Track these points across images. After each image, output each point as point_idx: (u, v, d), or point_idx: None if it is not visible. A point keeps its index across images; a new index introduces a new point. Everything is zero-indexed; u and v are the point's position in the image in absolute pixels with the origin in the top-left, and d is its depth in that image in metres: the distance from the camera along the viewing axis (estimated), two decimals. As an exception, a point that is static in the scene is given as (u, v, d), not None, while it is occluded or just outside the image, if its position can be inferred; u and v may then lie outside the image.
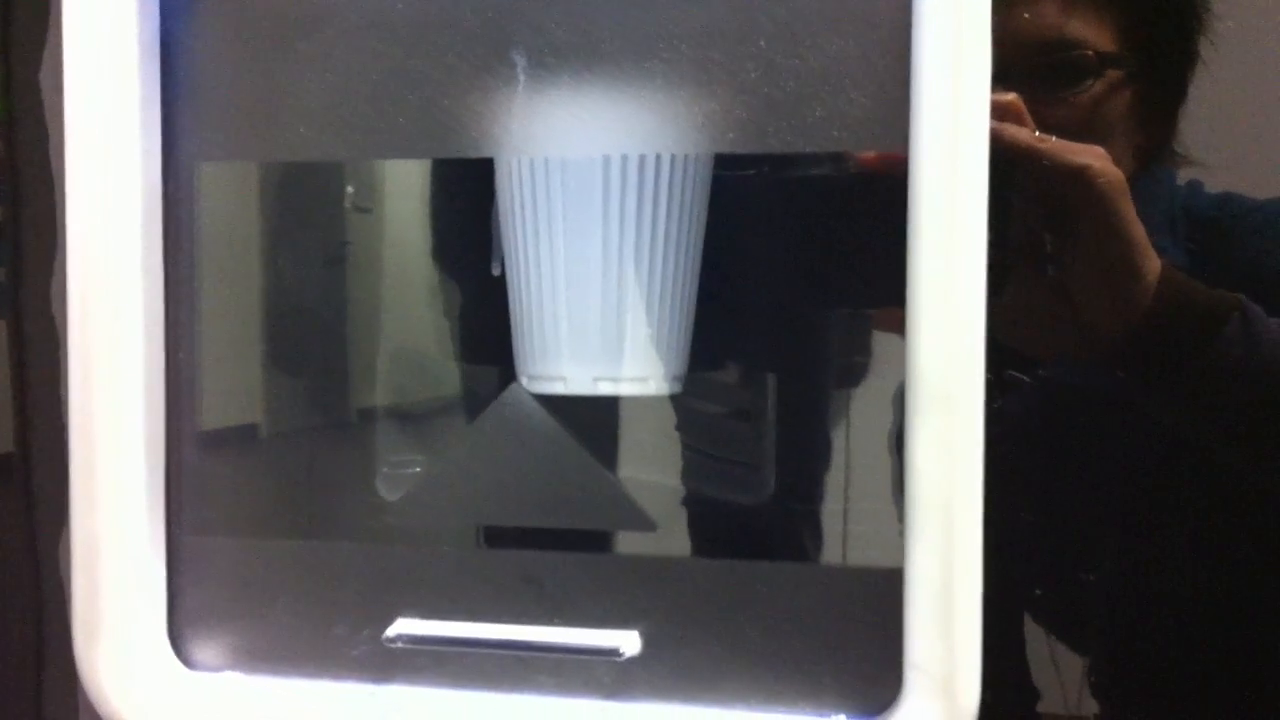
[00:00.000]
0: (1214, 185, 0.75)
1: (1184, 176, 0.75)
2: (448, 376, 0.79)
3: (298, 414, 0.78)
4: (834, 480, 0.72)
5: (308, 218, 0.77)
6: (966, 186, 0.53)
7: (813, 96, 0.57)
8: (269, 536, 0.65)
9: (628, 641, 0.60)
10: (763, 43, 0.57)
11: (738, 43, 0.57)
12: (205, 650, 0.65)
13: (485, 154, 0.61)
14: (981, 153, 0.53)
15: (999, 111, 0.65)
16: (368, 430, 0.79)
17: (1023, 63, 0.71)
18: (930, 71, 0.53)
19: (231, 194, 0.71)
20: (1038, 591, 0.74)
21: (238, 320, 0.74)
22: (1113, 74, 0.73)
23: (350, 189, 0.75)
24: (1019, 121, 0.65)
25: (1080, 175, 0.65)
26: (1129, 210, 0.66)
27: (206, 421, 0.65)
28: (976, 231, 0.53)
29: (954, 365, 0.53)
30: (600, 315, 0.64)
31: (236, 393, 0.74)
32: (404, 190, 0.79)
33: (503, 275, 0.68)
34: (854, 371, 0.72)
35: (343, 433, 0.80)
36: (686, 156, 0.63)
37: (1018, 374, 0.69)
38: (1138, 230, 0.66)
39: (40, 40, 0.72)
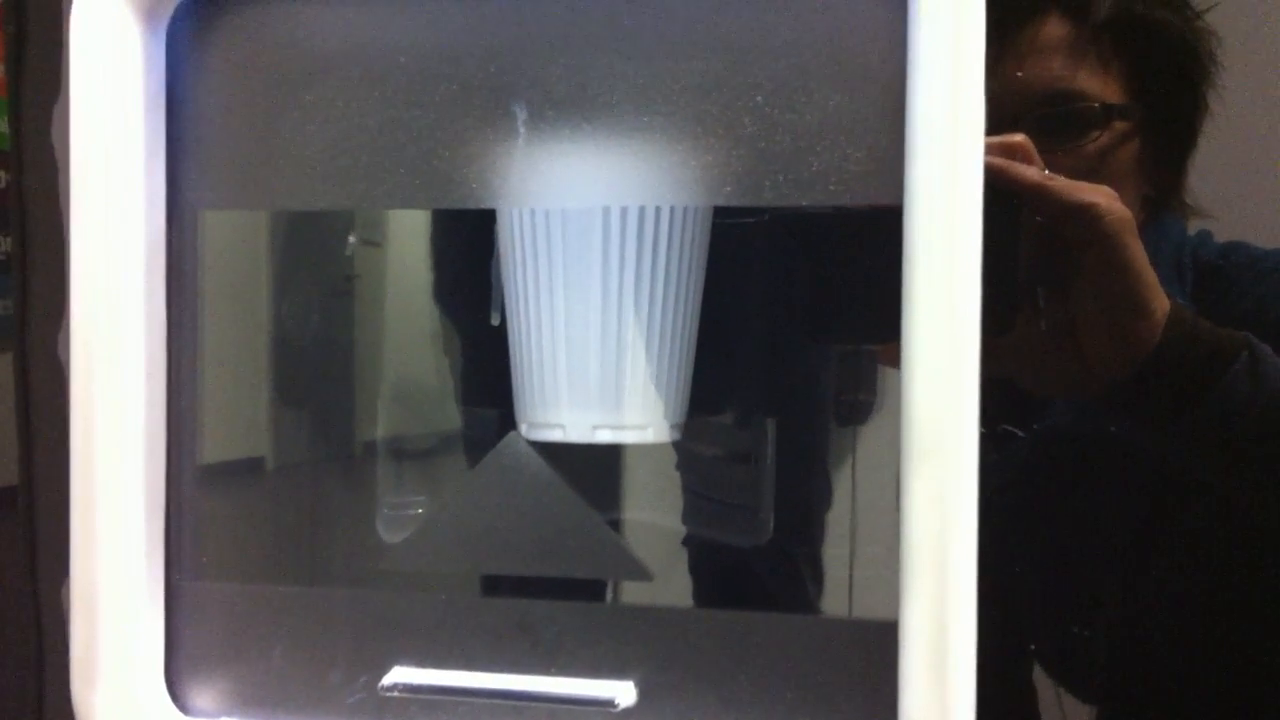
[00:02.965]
0: (1223, 235, 0.75)
1: (1193, 227, 0.75)
2: (449, 419, 0.79)
3: (298, 451, 0.78)
4: (834, 525, 0.72)
5: (313, 255, 0.78)
6: (960, 240, 0.53)
7: (809, 150, 0.57)
8: (266, 581, 0.65)
9: (623, 692, 0.60)
10: (759, 97, 0.58)
11: (735, 97, 0.58)
12: (202, 696, 0.65)
13: (485, 205, 0.61)
14: (975, 206, 0.53)
15: (1008, 151, 0.65)
16: (367, 471, 0.79)
17: (1029, 114, 0.71)
18: (924, 125, 0.54)
19: (237, 232, 0.72)
20: (1033, 646, 0.74)
21: (242, 357, 0.74)
22: (1119, 125, 0.73)
23: (353, 239, 0.76)
24: (1027, 161, 0.65)
25: (1088, 212, 0.65)
26: (1137, 248, 0.66)
27: (206, 457, 0.66)
28: (970, 283, 0.53)
29: (947, 416, 0.53)
30: (599, 364, 0.65)
31: (239, 429, 0.74)
32: (408, 232, 0.80)
33: (504, 322, 0.68)
34: (857, 412, 0.73)
35: (342, 473, 0.80)
36: (685, 207, 0.64)
37: (1012, 428, 0.69)
38: (1145, 268, 0.66)
39: (51, 83, 0.73)
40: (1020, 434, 0.70)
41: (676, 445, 0.71)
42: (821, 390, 0.75)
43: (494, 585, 0.68)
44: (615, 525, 0.70)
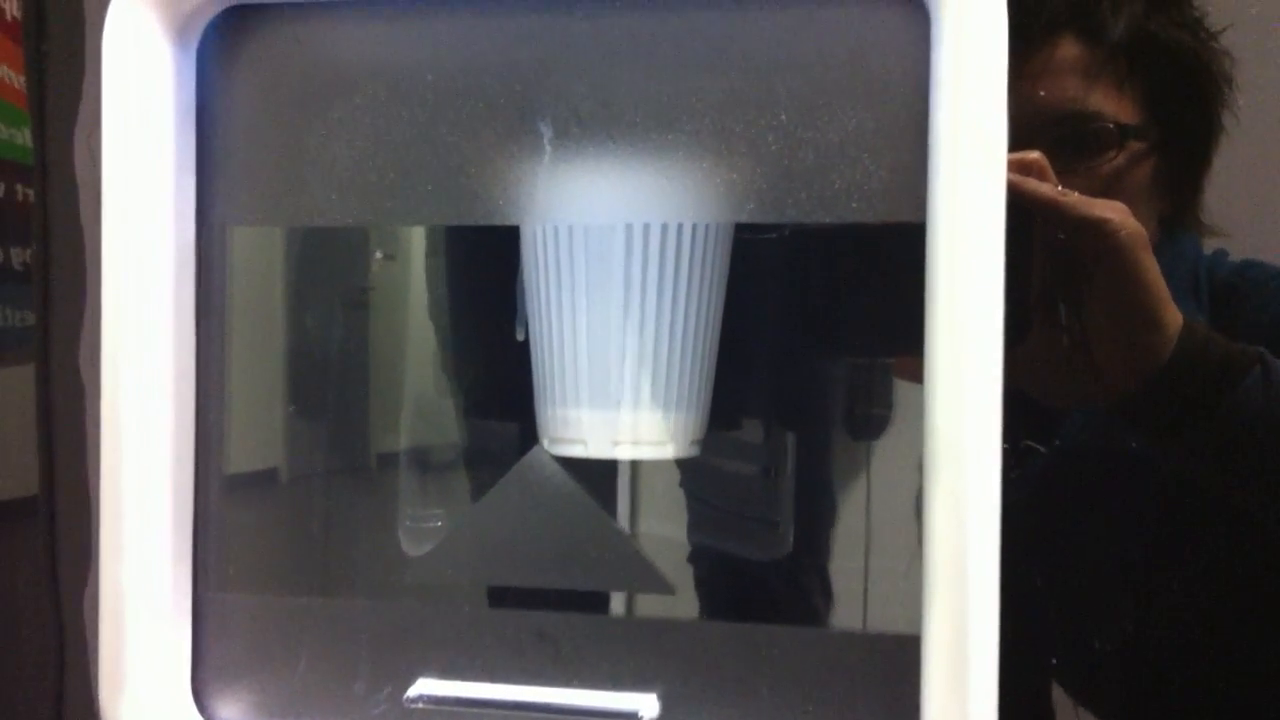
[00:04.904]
0: (1238, 253, 0.75)
1: (1209, 245, 0.75)
2: (470, 432, 0.80)
3: (321, 461, 0.79)
4: (854, 540, 0.72)
5: (329, 268, 0.78)
6: (983, 256, 0.54)
7: (831, 168, 0.58)
8: (292, 593, 0.66)
9: (646, 705, 0.60)
10: (783, 115, 0.58)
11: (758, 115, 0.58)
12: (228, 706, 0.65)
13: (510, 221, 0.62)
14: (998, 223, 0.54)
15: (1023, 167, 0.65)
16: (389, 483, 0.79)
17: (1045, 134, 0.72)
18: (947, 142, 0.54)
19: (253, 245, 0.72)
20: (1054, 661, 0.74)
21: (266, 370, 0.75)
22: (1134, 145, 0.73)
23: (379, 254, 0.77)
24: (1042, 177, 0.66)
25: (1101, 227, 0.65)
26: (1150, 262, 0.66)
27: (232, 468, 0.66)
28: (993, 299, 0.54)
29: (970, 431, 0.54)
30: (621, 379, 0.65)
31: (259, 440, 0.75)
32: (424, 245, 0.80)
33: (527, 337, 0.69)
34: (873, 426, 0.73)
35: (364, 484, 0.81)
36: (707, 224, 0.64)
37: (1034, 444, 0.69)
38: (1158, 282, 0.66)
39: (73, 99, 0.73)
40: (1043, 450, 0.70)
41: (696, 459, 0.72)
42: (839, 403, 0.75)
43: (518, 598, 0.68)
44: (635, 539, 0.70)
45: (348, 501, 0.79)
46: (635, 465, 0.74)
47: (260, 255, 0.75)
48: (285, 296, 0.77)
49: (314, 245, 0.78)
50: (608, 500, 0.68)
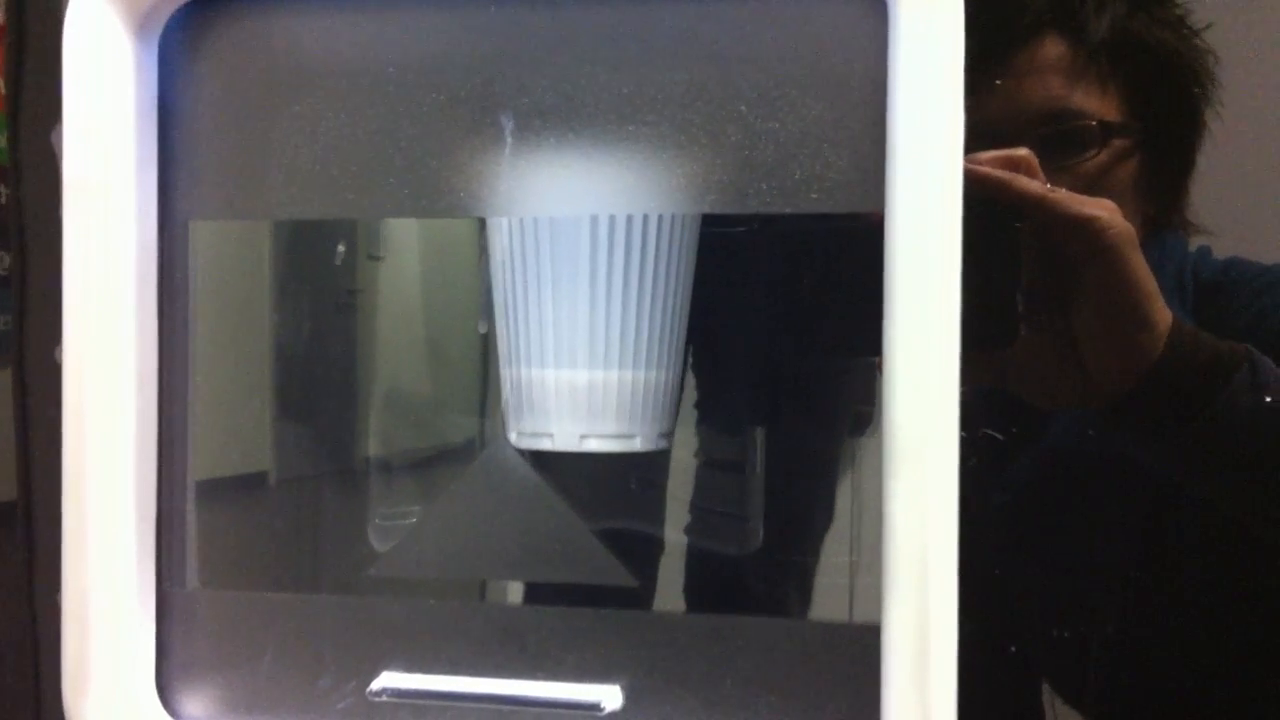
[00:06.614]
0: (1223, 251, 0.75)
1: (1194, 243, 0.75)
2: (447, 429, 0.80)
3: (298, 465, 0.79)
4: (821, 534, 0.72)
5: (317, 269, 0.78)
6: (940, 247, 0.54)
7: (791, 159, 0.58)
8: (256, 589, 0.66)
9: (609, 696, 0.60)
10: (743, 107, 0.58)
11: (719, 106, 0.58)
12: (193, 702, 0.65)
13: (474, 214, 0.62)
14: (955, 213, 0.54)
15: (1011, 164, 0.65)
16: (360, 482, 0.79)
17: (1028, 133, 0.72)
18: (904, 134, 0.54)
19: (241, 248, 0.72)
20: (1013, 649, 0.74)
21: (246, 372, 0.75)
22: (1117, 144, 0.73)
23: (341, 248, 0.77)
24: (1030, 174, 0.66)
25: (1089, 225, 0.65)
26: (1138, 260, 0.66)
27: (199, 471, 0.66)
28: (950, 289, 0.53)
29: (928, 422, 0.54)
30: (587, 372, 0.65)
31: (231, 443, 0.75)
32: (409, 245, 0.80)
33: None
34: (858, 424, 0.73)
35: (337, 485, 0.81)
36: (672, 215, 0.64)
37: (992, 432, 0.69)
38: (1147, 280, 0.66)
39: (52, 98, 0.73)
40: (999, 438, 0.70)
41: (666, 454, 0.72)
42: (816, 400, 0.75)
43: (482, 591, 0.68)
44: (602, 532, 0.70)
45: (320, 501, 0.80)
46: (607, 458, 0.74)
47: (248, 259, 0.75)
48: (255, 295, 0.77)
49: (304, 248, 0.78)
50: (578, 494, 0.68)
